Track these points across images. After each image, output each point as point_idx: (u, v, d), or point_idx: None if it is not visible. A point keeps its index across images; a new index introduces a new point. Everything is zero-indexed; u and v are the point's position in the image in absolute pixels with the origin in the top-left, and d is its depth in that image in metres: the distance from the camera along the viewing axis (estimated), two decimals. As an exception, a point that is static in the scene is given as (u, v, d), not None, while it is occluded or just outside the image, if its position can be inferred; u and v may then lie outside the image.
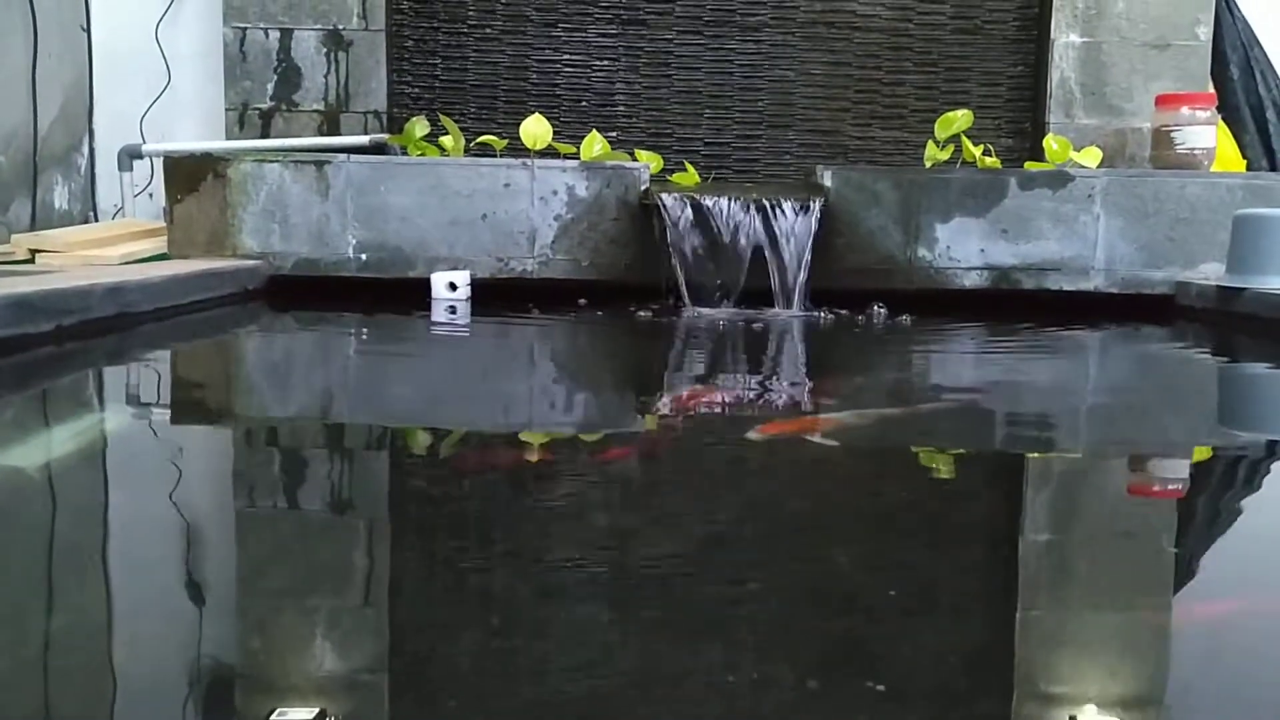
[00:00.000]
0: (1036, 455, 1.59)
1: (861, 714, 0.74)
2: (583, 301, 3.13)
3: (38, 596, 0.95)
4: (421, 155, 3.45)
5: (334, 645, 0.84)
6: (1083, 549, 1.16)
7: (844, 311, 3.09)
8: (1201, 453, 1.65)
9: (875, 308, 3.11)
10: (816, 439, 1.58)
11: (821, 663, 0.83)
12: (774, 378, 2.25)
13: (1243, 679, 0.81)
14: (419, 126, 3.55)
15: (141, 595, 0.95)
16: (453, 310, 3.08)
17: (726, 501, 1.30)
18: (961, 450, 1.62)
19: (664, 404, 1.88)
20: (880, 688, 0.76)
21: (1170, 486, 1.44)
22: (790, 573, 1.04)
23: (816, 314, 3.07)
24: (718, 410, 1.81)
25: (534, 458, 1.48)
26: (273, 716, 0.69)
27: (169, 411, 1.82)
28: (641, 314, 2.98)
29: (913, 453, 1.60)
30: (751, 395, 1.99)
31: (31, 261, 3.08)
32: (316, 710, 0.70)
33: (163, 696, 0.75)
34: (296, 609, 0.92)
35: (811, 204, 3.15)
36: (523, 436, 1.61)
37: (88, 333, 2.23)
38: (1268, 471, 1.54)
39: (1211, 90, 3.90)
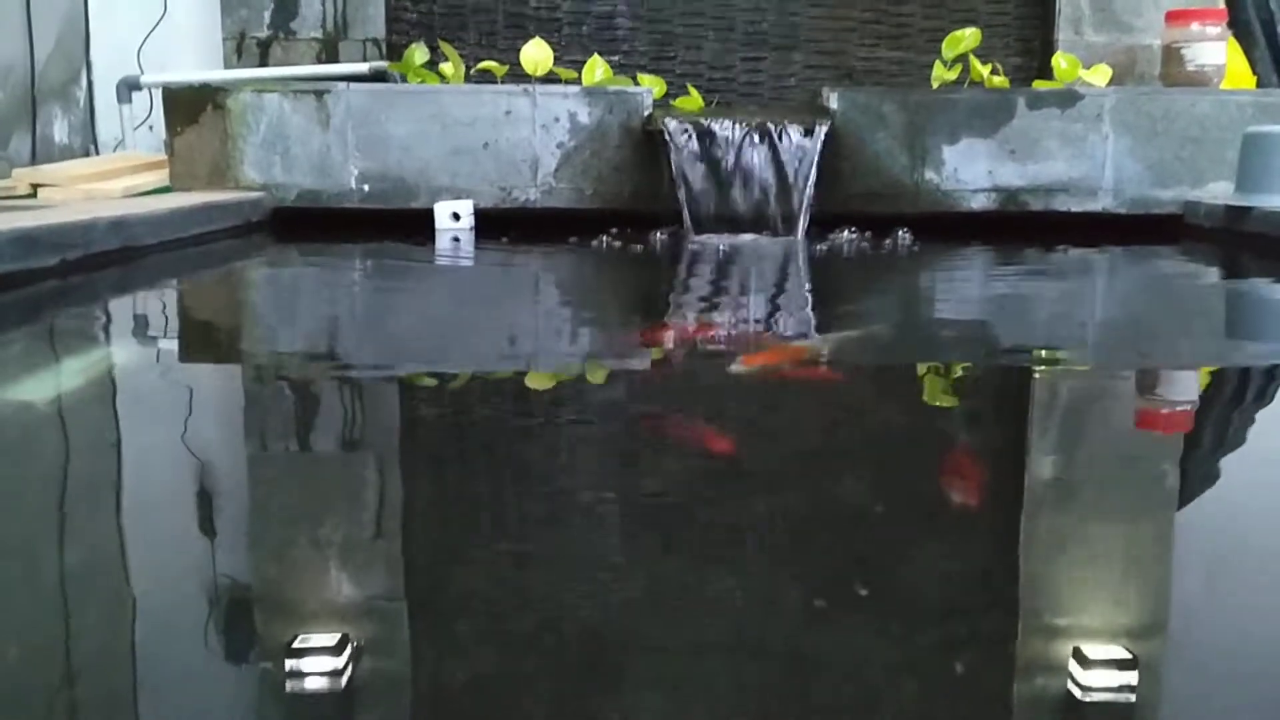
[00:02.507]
0: (1018, 368, 1.60)
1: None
2: (614, 231, 3.10)
3: (54, 528, 0.96)
4: (421, 83, 3.41)
5: (351, 572, 0.85)
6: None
7: (859, 234, 3.07)
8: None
9: (899, 233, 3.09)
10: (800, 366, 1.58)
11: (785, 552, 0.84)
12: (766, 307, 2.24)
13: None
14: (418, 53, 3.51)
15: (157, 527, 0.96)
16: (456, 240, 3.08)
17: (738, 429, 1.31)
18: (961, 371, 1.62)
19: (648, 336, 1.87)
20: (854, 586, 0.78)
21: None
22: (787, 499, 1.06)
23: (823, 239, 3.06)
24: (706, 341, 1.81)
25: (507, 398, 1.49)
26: (294, 643, 0.71)
27: (176, 344, 1.83)
28: (613, 242, 2.98)
29: (884, 375, 1.60)
30: (741, 325, 1.98)
31: (33, 196, 3.07)
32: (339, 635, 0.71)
33: (182, 624, 0.76)
34: (314, 537, 0.94)
35: (817, 127, 3.12)
36: (498, 373, 1.62)
37: (91, 266, 2.24)
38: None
39: (1222, 6, 3.82)
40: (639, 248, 2.95)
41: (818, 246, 3.00)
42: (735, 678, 0.68)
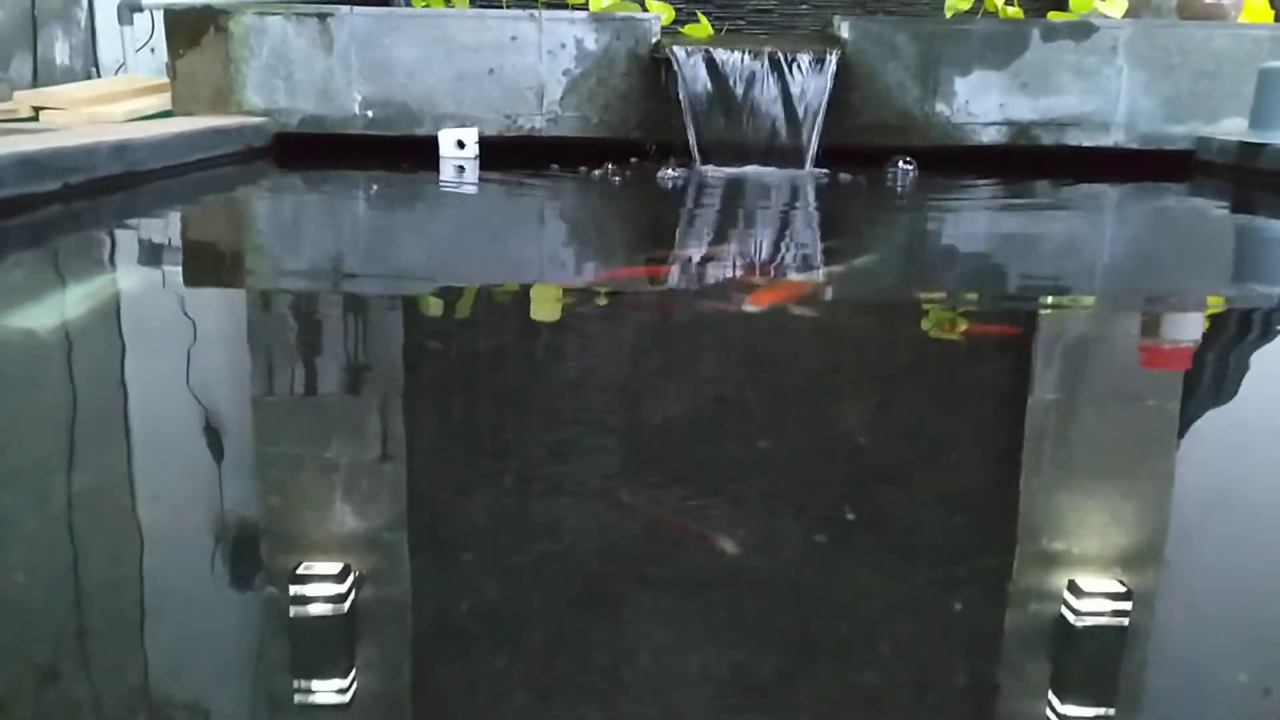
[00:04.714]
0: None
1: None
2: (634, 160, 3.07)
3: (62, 456, 0.97)
4: (427, 6, 3.36)
5: (354, 505, 0.86)
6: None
7: (875, 166, 3.05)
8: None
9: (901, 164, 3.07)
10: (798, 303, 1.58)
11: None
12: (770, 240, 2.23)
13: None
14: (423, -24, 3.45)
15: (165, 454, 0.97)
16: (460, 169, 3.05)
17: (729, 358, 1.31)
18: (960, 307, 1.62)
19: (648, 270, 1.87)
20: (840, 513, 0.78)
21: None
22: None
23: (830, 173, 3.03)
24: (705, 274, 1.80)
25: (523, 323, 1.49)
26: (298, 570, 0.72)
27: (182, 271, 1.82)
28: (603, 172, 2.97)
29: (863, 311, 1.60)
30: (743, 259, 1.97)
31: (35, 119, 3.05)
32: (342, 565, 0.72)
33: (190, 552, 0.77)
34: (319, 465, 0.94)
35: (827, 57, 3.07)
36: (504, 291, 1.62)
37: (95, 191, 2.23)
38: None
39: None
40: (644, 176, 2.92)
41: (831, 178, 2.97)
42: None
